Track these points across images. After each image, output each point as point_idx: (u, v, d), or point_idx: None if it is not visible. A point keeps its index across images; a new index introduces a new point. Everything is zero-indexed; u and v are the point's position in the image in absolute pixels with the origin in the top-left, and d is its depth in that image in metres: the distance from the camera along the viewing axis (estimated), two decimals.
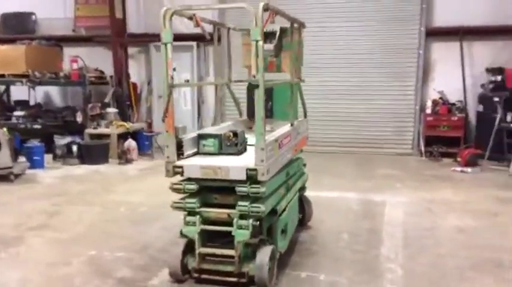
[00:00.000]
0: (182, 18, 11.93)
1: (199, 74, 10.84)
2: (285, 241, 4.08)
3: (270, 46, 5.08)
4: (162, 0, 10.74)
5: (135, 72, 11.19)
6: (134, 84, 11.07)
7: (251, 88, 5.39)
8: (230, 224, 3.65)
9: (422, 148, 9.26)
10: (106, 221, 5.47)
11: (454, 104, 9.19)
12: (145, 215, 5.68)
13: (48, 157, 8.74)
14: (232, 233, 3.59)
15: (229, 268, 3.70)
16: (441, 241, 4.72)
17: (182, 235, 4.04)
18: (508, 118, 8.09)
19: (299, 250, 4.47)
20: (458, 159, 8.52)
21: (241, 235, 3.57)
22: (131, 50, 11.16)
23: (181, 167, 3.64)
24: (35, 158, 8.19)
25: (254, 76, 3.57)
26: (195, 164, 3.64)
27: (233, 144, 3.97)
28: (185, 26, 10.59)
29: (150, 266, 4.21)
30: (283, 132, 4.28)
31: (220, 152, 3.94)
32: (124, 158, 8.92)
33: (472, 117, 9.23)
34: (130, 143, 9.12)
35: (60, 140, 8.98)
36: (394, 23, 9.35)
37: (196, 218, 3.68)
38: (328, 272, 3.99)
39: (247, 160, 3.75)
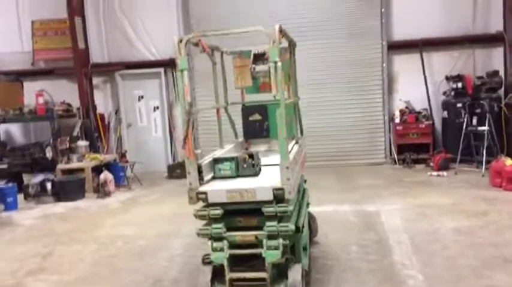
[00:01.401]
0: (147, 44, 11.77)
1: (168, 100, 10.75)
2: (306, 258, 4.11)
3: (264, 67, 5.15)
4: (124, 28, 10.68)
5: (101, 102, 10.94)
6: (101, 115, 10.81)
7: (246, 110, 5.46)
8: (256, 246, 3.65)
9: (395, 156, 9.63)
10: (108, 258, 5.26)
11: (420, 112, 9.67)
12: (146, 248, 5.51)
13: (19, 197, 8.31)
14: (263, 255, 3.58)
15: None
16: (446, 243, 4.91)
17: (205, 262, 3.99)
18: (474, 122, 8.60)
19: (315, 266, 4.50)
20: (431, 164, 8.92)
21: (272, 256, 3.56)
22: (96, 80, 10.91)
23: (205, 193, 3.60)
24: (8, 199, 7.75)
25: (274, 97, 3.63)
26: (220, 189, 3.61)
27: (250, 165, 3.98)
28: (150, 53, 10.63)
29: None
30: (294, 150, 4.34)
31: (237, 175, 3.94)
32: (102, 191, 8.63)
33: (438, 124, 9.72)
34: (107, 175, 8.84)
35: (32, 179, 8.57)
36: (358, 38, 9.77)
37: (224, 244, 3.64)
38: (352, 285, 4.06)
39: (266, 180, 3.78)
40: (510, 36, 9.03)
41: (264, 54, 5.19)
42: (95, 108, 10.67)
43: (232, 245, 3.68)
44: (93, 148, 9.96)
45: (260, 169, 4.07)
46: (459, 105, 9.05)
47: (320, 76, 9.81)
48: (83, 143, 9.66)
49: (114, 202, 8.20)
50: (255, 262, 3.78)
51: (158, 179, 10.09)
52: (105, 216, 7.24)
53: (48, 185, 8.38)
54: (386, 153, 9.89)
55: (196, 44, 4.10)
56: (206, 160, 4.02)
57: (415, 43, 9.63)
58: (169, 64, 10.50)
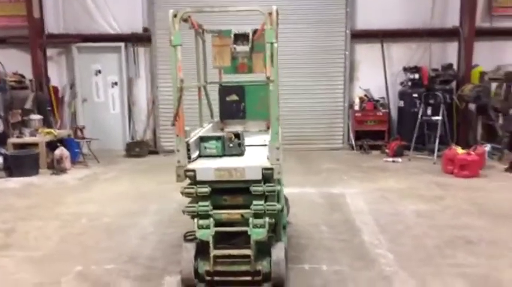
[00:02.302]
0: (107, 17, 11.36)
1: (128, 76, 10.44)
2: (285, 236, 4.23)
3: (245, 48, 5.17)
4: None
5: (56, 75, 10.43)
6: (55, 89, 10.31)
7: (223, 90, 5.45)
8: (241, 224, 3.71)
9: (353, 142, 9.97)
10: (75, 235, 5.12)
11: (378, 101, 10.04)
12: (113, 226, 5.41)
13: None
14: (249, 233, 3.64)
15: (243, 268, 3.72)
16: (409, 224, 5.21)
17: (187, 239, 4.01)
18: (428, 112, 9.05)
19: (290, 245, 4.61)
20: (387, 150, 9.32)
21: (258, 234, 3.63)
22: (50, 52, 10.37)
23: (193, 170, 3.59)
24: None
25: (268, 78, 3.66)
26: (209, 167, 3.62)
27: (236, 145, 4.01)
28: (110, 26, 10.24)
29: (150, 276, 4.08)
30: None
31: (223, 154, 3.96)
32: (58, 168, 8.30)
33: (394, 112, 10.14)
34: (63, 151, 8.50)
35: None
36: (323, 25, 9.93)
37: (210, 221, 3.66)
38: (327, 263, 4.21)
39: (254, 159, 3.84)
40: (465, 32, 9.53)
41: (244, 34, 5.21)
42: (48, 80, 10.17)
43: (218, 223, 3.72)
44: (47, 123, 9.51)
45: (245, 149, 4.10)
46: (415, 95, 9.48)
47: (285, 61, 9.84)
48: (36, 117, 9.22)
49: (71, 179, 7.92)
50: (237, 239, 3.84)
51: (115, 157, 9.85)
52: (64, 193, 7.00)
53: (0, 160, 7.95)
54: (344, 139, 10.20)
55: (185, 20, 4.02)
56: (192, 138, 4.00)
57: (377, 33, 9.94)
58: (130, 39, 10.18)
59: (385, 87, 10.05)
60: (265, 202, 3.66)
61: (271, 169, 3.59)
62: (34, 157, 8.29)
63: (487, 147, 8.45)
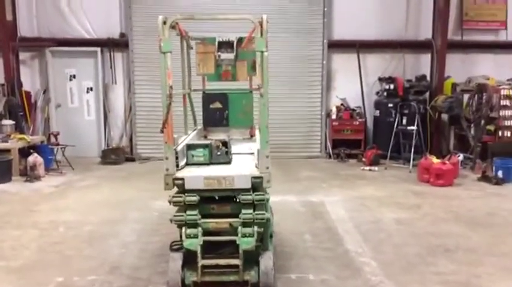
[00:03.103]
0: (83, 21, 11.15)
1: (104, 82, 10.27)
2: (272, 245, 4.23)
3: (229, 55, 5.19)
4: (57, 2, 10.00)
5: (29, 79, 10.17)
6: (28, 93, 10.04)
7: (207, 97, 5.43)
8: (229, 233, 3.71)
9: (330, 151, 10.09)
10: (54, 244, 4.98)
11: (354, 110, 10.21)
12: (94, 234, 5.29)
13: None
14: (237, 242, 3.63)
15: (232, 278, 3.71)
16: (390, 232, 5.30)
17: (173, 249, 3.96)
18: (403, 122, 9.27)
19: (275, 253, 4.60)
20: (363, 159, 9.48)
21: (247, 243, 3.63)
22: (23, 56, 10.11)
23: (182, 179, 3.57)
24: None
25: (258, 86, 3.68)
26: (198, 175, 3.60)
27: (223, 153, 4.00)
28: (86, 31, 10.07)
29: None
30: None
31: (210, 162, 3.94)
32: (31, 175, 8.07)
33: (369, 122, 10.33)
34: (36, 158, 8.27)
35: None
36: (301, 35, 10.05)
37: (198, 230, 3.63)
38: (313, 272, 4.23)
39: (242, 168, 3.84)
40: (438, 44, 9.82)
41: (229, 42, 5.22)
42: (20, 85, 9.89)
43: (205, 232, 3.69)
44: (19, 128, 9.25)
45: (232, 157, 4.10)
46: (390, 105, 9.70)
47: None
48: (8, 122, 8.96)
49: (46, 187, 7.72)
50: (225, 249, 3.82)
51: (91, 164, 9.65)
52: (40, 200, 6.80)
53: None
54: (321, 147, 10.32)
55: (173, 27, 4.00)
56: (179, 146, 3.97)
57: (353, 43, 10.14)
58: (107, 44, 10.03)
59: (362, 96, 10.24)
60: (254, 210, 3.67)
61: (261, 177, 3.60)
62: (7, 163, 8.04)
63: (460, 156, 8.70)
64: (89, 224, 5.63)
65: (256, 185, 3.64)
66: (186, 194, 3.59)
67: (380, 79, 10.09)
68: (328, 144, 10.18)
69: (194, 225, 3.64)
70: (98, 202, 6.71)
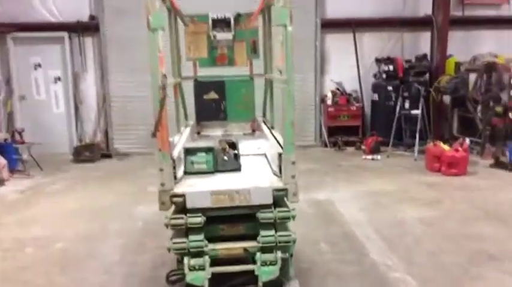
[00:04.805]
0: (47, 3, 9.84)
1: (73, 70, 9.20)
2: (292, 267, 3.44)
3: (227, 35, 4.34)
4: None
5: None
6: None
7: (200, 86, 4.56)
8: (243, 260, 2.91)
9: (326, 139, 9.33)
10: (19, 270, 4.08)
11: (351, 95, 9.45)
12: (68, 254, 4.41)
13: None
14: (256, 272, 2.83)
15: None
16: (418, 236, 4.58)
17: (171, 281, 3.15)
18: (406, 105, 8.56)
19: None
20: (363, 147, 8.76)
21: (269, 273, 2.84)
22: None
23: (182, 195, 2.72)
24: None
25: (280, 71, 2.86)
26: (203, 190, 2.76)
27: (231, 158, 3.17)
28: (51, 14, 8.96)
29: None
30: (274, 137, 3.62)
31: (215, 170, 3.10)
32: None
33: (367, 106, 9.59)
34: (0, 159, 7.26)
35: None
36: (293, 14, 9.12)
37: (205, 260, 2.81)
38: None
39: (257, 177, 3.01)
40: (439, 21, 9.11)
41: (225, 20, 4.35)
42: None
43: (213, 261, 2.87)
44: None
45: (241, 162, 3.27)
46: (390, 88, 8.98)
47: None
48: None
49: (11, 192, 6.73)
50: (237, 279, 3.02)
51: (62, 163, 8.64)
52: (2, 211, 5.85)
53: None
54: (316, 135, 9.54)
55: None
56: (175, 150, 3.12)
57: (348, 22, 9.31)
58: (75, 28, 8.94)
59: (358, 80, 9.47)
60: (276, 231, 2.87)
61: (285, 189, 2.80)
62: None
63: (467, 141, 8.05)
64: (62, 241, 4.73)
65: (279, 199, 2.83)
66: (188, 215, 2.76)
67: (377, 60, 9.33)
68: (324, 132, 9.41)
69: (199, 253, 2.82)
70: (72, 211, 5.79)
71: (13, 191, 6.80)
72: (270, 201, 2.77)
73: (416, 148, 8.02)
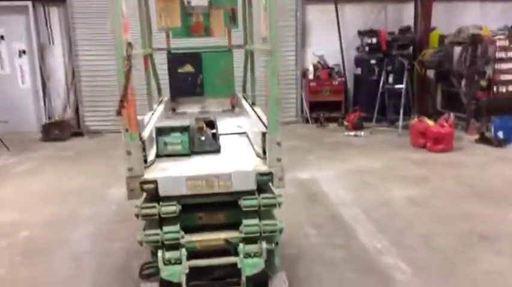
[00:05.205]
0: None
1: (39, 43, 8.61)
2: (278, 256, 3.17)
3: (203, 1, 3.93)
4: None
5: None
6: None
7: (174, 59, 4.18)
8: (224, 252, 2.61)
9: (308, 115, 9.04)
10: None
11: (333, 68, 9.13)
12: (34, 243, 4.05)
13: None
14: (239, 265, 2.54)
15: None
16: (407, 217, 4.38)
17: (144, 275, 2.84)
18: (390, 80, 8.31)
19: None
20: (346, 123, 8.51)
21: (253, 266, 2.55)
22: None
23: (153, 181, 2.39)
24: None
25: (263, 39, 2.52)
26: (178, 176, 2.43)
27: (209, 138, 2.83)
28: None
29: None
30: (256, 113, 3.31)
31: (192, 151, 2.77)
32: None
33: (349, 81, 9.30)
34: None
35: None
36: None
37: (182, 253, 2.51)
38: (335, 284, 3.24)
39: (238, 159, 2.70)
40: None
41: None
42: None
43: (191, 253, 2.57)
44: None
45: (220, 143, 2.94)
46: (373, 61, 8.69)
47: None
48: None
49: None
50: (218, 272, 2.73)
51: (30, 142, 8.15)
52: None
53: None
54: (297, 111, 9.23)
55: None
56: (146, 130, 2.77)
57: None
58: None
59: (341, 53, 9.14)
60: (260, 219, 2.58)
61: (270, 173, 2.49)
62: None
63: (451, 116, 7.88)
64: (28, 228, 4.36)
65: (263, 184, 2.53)
66: (161, 203, 2.44)
67: (360, 33, 9.01)
68: (305, 107, 9.10)
69: (175, 246, 2.51)
70: (40, 194, 5.40)
71: None
72: (253, 187, 2.46)
73: (400, 124, 7.81)
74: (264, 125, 2.82)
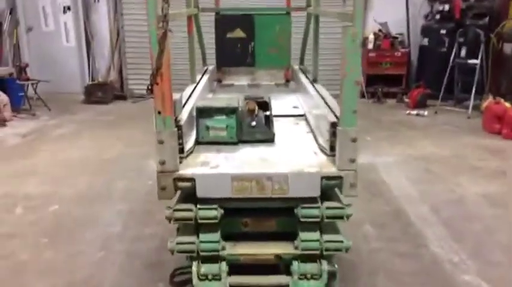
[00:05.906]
0: None
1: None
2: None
3: None
4: None
5: None
6: None
7: (222, 21, 3.59)
8: (273, 269, 2.10)
9: (364, 89, 8.27)
10: (3, 238, 3.41)
11: (396, 38, 8.25)
12: (62, 221, 3.71)
13: None
14: None
15: None
16: (486, 222, 3.69)
17: (175, 283, 2.39)
18: (462, 53, 7.37)
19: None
20: (406, 100, 7.72)
21: None
22: None
23: (191, 180, 1.88)
24: None
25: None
26: (221, 173, 1.90)
27: (262, 123, 2.27)
28: None
29: None
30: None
31: (240, 140, 2.23)
32: None
33: (414, 52, 8.40)
34: (1, 96, 6.56)
35: None
36: None
37: (221, 267, 2.01)
38: None
39: (297, 154, 2.13)
40: None
41: None
42: None
43: (232, 267, 2.07)
44: None
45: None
46: (443, 31, 7.75)
47: None
48: None
49: (12, 136, 6.08)
50: None
51: (71, 103, 7.92)
52: None
53: None
54: None
55: None
56: (184, 111, 2.24)
57: None
58: None
59: (407, 20, 8.21)
60: (321, 233, 2.03)
61: (339, 177, 1.92)
62: None
63: None
64: (57, 202, 4.04)
65: (328, 189, 1.97)
66: (198, 206, 1.93)
67: None
68: (361, 80, 8.32)
69: (214, 258, 2.01)
70: (75, 162, 5.08)
71: (14, 134, 6.14)
72: (316, 193, 1.91)
73: (471, 104, 6.94)
74: (333, 112, 2.22)
